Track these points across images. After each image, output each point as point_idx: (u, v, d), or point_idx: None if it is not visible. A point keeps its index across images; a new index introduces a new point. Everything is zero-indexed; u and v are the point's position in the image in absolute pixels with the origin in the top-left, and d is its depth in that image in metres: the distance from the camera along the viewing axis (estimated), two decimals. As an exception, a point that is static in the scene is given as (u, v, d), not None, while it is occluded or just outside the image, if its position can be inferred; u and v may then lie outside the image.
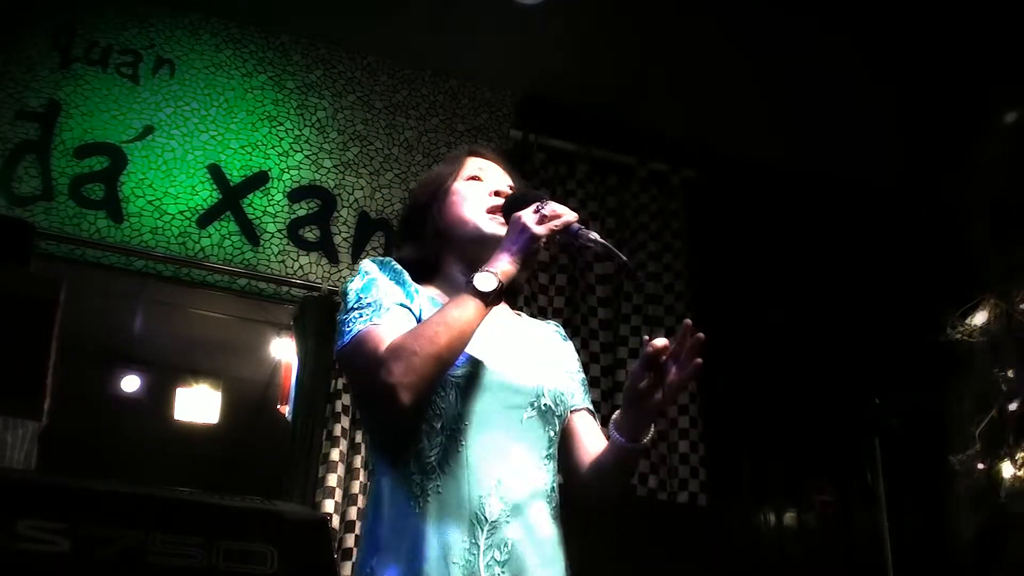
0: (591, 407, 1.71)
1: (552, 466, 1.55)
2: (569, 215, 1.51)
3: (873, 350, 4.00)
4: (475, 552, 1.38)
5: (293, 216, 3.64)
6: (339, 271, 3.63)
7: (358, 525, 3.12)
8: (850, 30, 3.64)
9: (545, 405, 1.54)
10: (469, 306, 1.44)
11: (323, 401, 3.31)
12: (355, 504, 3.15)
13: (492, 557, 1.39)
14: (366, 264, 1.59)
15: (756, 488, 3.90)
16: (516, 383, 1.52)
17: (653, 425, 1.54)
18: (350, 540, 3.09)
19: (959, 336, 3.59)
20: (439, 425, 1.45)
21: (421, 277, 1.63)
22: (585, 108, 4.10)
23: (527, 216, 1.51)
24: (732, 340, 3.88)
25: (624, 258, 1.53)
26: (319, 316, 3.42)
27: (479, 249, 1.59)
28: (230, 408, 5.44)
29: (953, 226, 4.06)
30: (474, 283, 1.45)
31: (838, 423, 3.81)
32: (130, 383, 5.28)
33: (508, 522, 1.42)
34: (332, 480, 3.14)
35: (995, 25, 3.54)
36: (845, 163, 4.25)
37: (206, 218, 3.51)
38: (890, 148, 4.19)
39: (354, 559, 1.49)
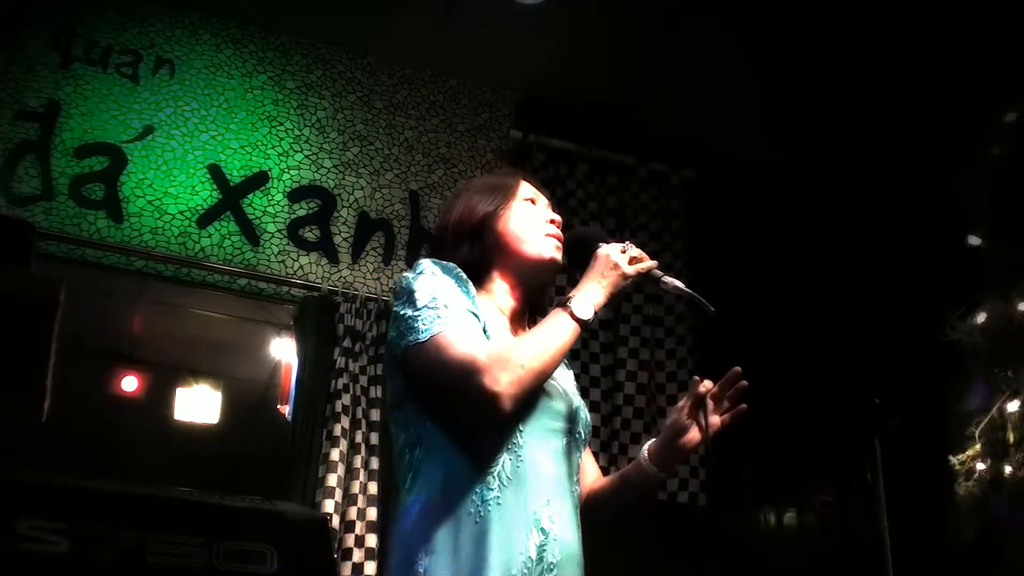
0: None
1: (577, 489, 1.59)
2: (651, 261, 1.60)
3: (873, 350, 4.00)
4: (530, 566, 1.40)
5: (293, 216, 3.64)
6: (339, 271, 3.63)
7: (358, 525, 3.12)
8: (850, 30, 3.64)
9: (579, 433, 1.59)
10: (569, 329, 1.49)
11: (323, 401, 3.31)
12: (355, 504, 3.15)
13: (543, 570, 1.41)
14: (430, 264, 1.56)
15: (756, 488, 3.90)
16: (564, 408, 1.57)
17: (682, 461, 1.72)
18: (350, 540, 3.09)
19: (959, 336, 3.58)
20: (502, 438, 1.46)
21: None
22: (585, 108, 4.10)
23: (617, 255, 1.56)
24: (731, 340, 3.88)
25: (711, 308, 1.62)
26: (319, 316, 3.42)
27: (531, 267, 1.65)
28: (230, 408, 5.44)
29: (953, 226, 4.05)
30: (573, 308, 1.49)
31: (838, 423, 3.81)
32: (130, 383, 5.27)
33: (556, 540, 1.44)
34: (332, 480, 3.14)
35: (995, 25, 3.54)
36: (845, 163, 4.25)
37: (206, 218, 3.51)
38: (889, 148, 4.19)
39: (397, 555, 1.48)
